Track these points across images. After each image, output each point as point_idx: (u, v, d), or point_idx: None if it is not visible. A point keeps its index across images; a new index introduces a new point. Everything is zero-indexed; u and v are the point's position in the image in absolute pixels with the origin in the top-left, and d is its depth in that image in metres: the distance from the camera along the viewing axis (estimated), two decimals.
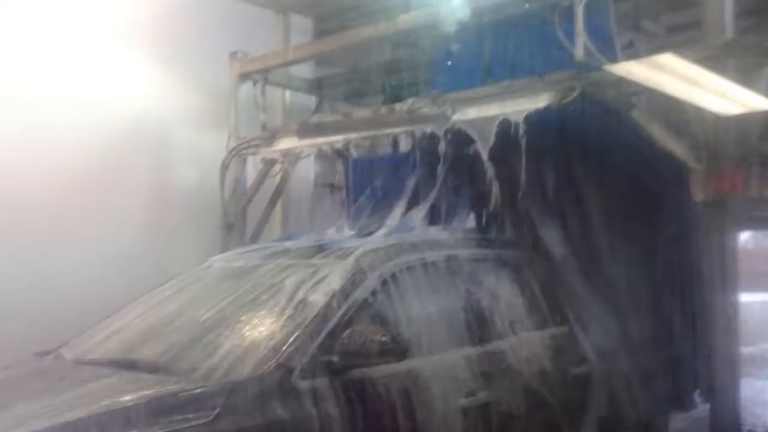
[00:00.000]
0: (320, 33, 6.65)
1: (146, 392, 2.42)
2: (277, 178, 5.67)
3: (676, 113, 4.04)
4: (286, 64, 5.93)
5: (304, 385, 2.65)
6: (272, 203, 5.85)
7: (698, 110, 3.77)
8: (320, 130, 5.11)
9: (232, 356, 2.72)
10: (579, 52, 3.93)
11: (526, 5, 4.33)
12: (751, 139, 4.16)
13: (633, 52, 4.17)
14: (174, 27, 5.73)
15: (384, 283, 3.13)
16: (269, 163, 5.55)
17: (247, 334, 2.89)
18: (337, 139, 4.95)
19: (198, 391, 2.46)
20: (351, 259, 3.17)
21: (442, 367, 3.10)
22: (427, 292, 3.30)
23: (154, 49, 5.69)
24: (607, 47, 4.03)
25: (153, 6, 5.64)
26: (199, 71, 5.93)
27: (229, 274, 3.61)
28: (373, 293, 3.06)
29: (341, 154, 5.05)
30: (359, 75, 6.43)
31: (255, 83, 5.80)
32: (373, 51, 5.74)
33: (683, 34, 4.86)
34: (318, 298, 2.95)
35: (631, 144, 4.23)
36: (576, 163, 4.32)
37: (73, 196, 5.15)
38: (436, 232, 3.93)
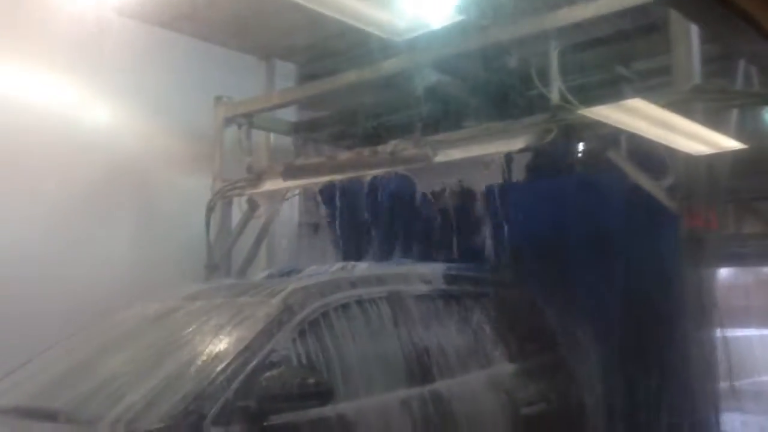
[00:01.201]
0: (304, 77, 6.79)
1: None
2: (262, 219, 5.74)
3: (650, 154, 4.20)
4: (271, 108, 6.06)
5: None
6: (257, 243, 5.90)
7: (670, 151, 3.92)
8: (304, 171, 5.21)
9: (140, 404, 2.53)
10: (554, 96, 4.09)
11: (509, 56, 4.51)
12: (721, 178, 4.32)
13: (606, 97, 4.33)
14: (159, 73, 5.83)
15: (314, 322, 2.95)
16: (254, 204, 5.63)
17: (160, 380, 2.68)
18: (321, 181, 5.05)
19: None
20: (278, 298, 3.01)
21: (375, 411, 2.91)
22: (362, 332, 3.12)
23: (140, 95, 5.77)
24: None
25: (138, 53, 5.74)
26: (184, 115, 6.02)
27: (152, 317, 3.42)
28: (301, 333, 2.87)
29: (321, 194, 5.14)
30: (342, 117, 6.57)
31: (240, 126, 5.91)
32: (357, 94, 5.88)
33: (655, 79, 5.06)
34: (236, 340, 2.78)
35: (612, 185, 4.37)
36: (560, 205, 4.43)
37: (57, 237, 5.15)
38: (389, 267, 3.85)
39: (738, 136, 3.90)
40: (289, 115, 6.75)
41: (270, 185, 5.43)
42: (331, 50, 6.36)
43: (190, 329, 3.00)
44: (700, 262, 4.00)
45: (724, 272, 11.08)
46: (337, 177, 5.00)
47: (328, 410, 2.72)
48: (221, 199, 5.73)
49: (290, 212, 6.31)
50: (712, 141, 3.77)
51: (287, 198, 5.45)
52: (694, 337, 3.96)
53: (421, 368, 3.21)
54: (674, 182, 4.05)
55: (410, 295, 3.44)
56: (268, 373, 2.62)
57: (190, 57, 6.04)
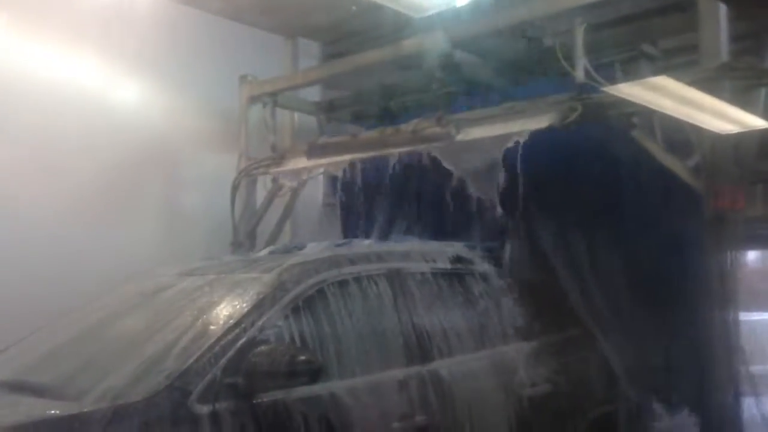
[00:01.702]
0: (328, 56, 6.81)
1: (18, 417, 2.25)
2: (286, 198, 5.79)
3: (675, 133, 4.16)
4: (295, 87, 6.09)
5: (202, 410, 2.42)
6: (281, 222, 5.96)
7: (696, 129, 3.88)
8: (328, 150, 5.24)
9: (126, 379, 2.48)
10: (579, 74, 4.06)
11: (526, 33, 4.47)
12: (748, 157, 4.27)
13: (633, 75, 4.29)
14: (186, 52, 5.89)
15: (309, 299, 2.87)
16: (278, 183, 5.68)
17: (147, 356, 2.62)
18: (345, 159, 5.08)
19: (78, 415, 2.27)
20: (272, 275, 2.94)
21: (369, 390, 2.84)
22: (359, 310, 3.04)
23: (166, 74, 5.83)
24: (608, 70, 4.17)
25: (165, 32, 5.80)
26: (210, 94, 6.08)
27: (146, 293, 3.35)
28: (295, 310, 2.80)
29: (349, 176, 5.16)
30: (365, 97, 6.58)
31: (264, 105, 5.94)
32: (378, 73, 5.88)
33: (681, 57, 4.99)
34: (225, 315, 2.71)
35: (632, 161, 4.33)
36: (575, 179, 4.40)
37: (84, 215, 5.23)
38: (394, 245, 3.78)
39: (766, 116, 3.84)
40: (313, 94, 6.78)
41: (294, 164, 5.47)
42: (354, 29, 6.37)
43: (182, 305, 2.94)
44: (725, 244, 3.96)
45: (749, 255, 10.96)
46: (360, 155, 5.02)
47: (319, 389, 2.65)
48: (246, 178, 5.79)
49: (314, 191, 6.36)
50: (740, 120, 3.72)
51: (305, 179, 5.46)
52: (713, 319, 3.94)
53: (420, 348, 3.14)
54: (700, 161, 4.01)
55: (412, 274, 3.36)
56: (256, 350, 2.55)
57: (216, 36, 6.08)
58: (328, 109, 6.74)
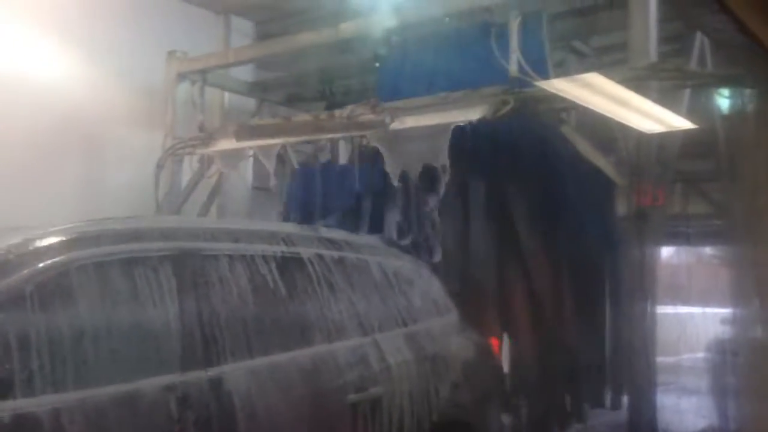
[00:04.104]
0: (262, 36, 6.64)
1: None
2: (213, 180, 5.62)
3: (602, 130, 4.25)
4: (226, 66, 5.91)
5: None
6: (207, 204, 5.79)
7: (623, 127, 3.96)
8: (258, 132, 5.10)
9: None
10: (513, 68, 4.08)
11: (446, 20, 4.46)
12: (670, 157, 4.40)
13: (564, 71, 4.34)
14: (111, 23, 5.62)
15: (42, 286, 2.25)
16: (205, 164, 5.51)
17: None
18: (275, 143, 4.96)
19: None
20: None
21: (119, 400, 2.27)
22: (116, 300, 2.43)
23: (89, 45, 5.56)
24: (540, 66, 4.20)
25: (89, 2, 5.52)
26: (136, 69, 5.82)
27: None
28: (16, 301, 2.20)
29: (281, 159, 5.04)
30: (300, 79, 6.45)
31: (193, 83, 5.75)
32: (315, 56, 5.78)
33: (611, 56, 5.09)
34: None
35: (558, 157, 4.40)
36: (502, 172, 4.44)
37: (4, 190, 4.96)
38: (194, 222, 3.23)
39: (689, 117, 3.96)
40: (246, 74, 6.60)
41: (222, 145, 5.31)
42: (291, 10, 6.23)
43: None
44: (645, 239, 4.08)
45: (668, 251, 11.45)
46: (291, 140, 4.91)
47: (35, 402, 2.08)
48: (171, 157, 5.59)
49: (244, 173, 6.21)
50: (665, 120, 3.82)
51: (240, 160, 5.33)
52: (632, 312, 4.05)
53: (206, 349, 2.55)
54: (623, 158, 4.11)
55: (215, 256, 2.76)
56: None
57: (144, 8, 5.83)
58: (261, 89, 6.60)
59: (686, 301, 12.05)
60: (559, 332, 4.47)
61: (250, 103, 6.72)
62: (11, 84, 5.12)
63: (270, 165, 4.93)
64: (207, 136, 5.43)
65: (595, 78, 3.41)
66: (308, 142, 5.00)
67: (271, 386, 2.68)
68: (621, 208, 4.21)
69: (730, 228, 5.68)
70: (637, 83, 3.62)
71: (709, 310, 9.86)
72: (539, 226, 4.45)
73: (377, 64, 5.18)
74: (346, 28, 4.88)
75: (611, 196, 4.58)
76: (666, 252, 11.04)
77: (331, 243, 3.34)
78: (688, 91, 4.34)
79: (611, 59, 4.92)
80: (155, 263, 2.56)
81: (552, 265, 4.51)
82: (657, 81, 3.81)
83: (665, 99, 3.75)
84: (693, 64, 4.34)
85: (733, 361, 5.03)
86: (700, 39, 4.58)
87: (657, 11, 3.94)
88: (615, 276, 4.79)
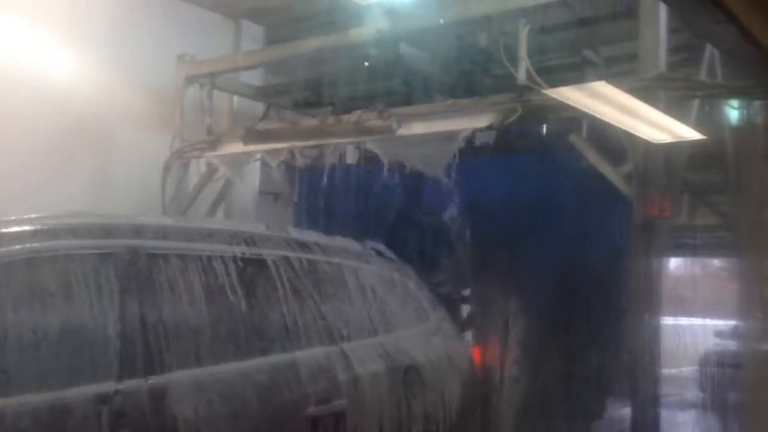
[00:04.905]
0: (272, 41, 6.65)
1: None
2: (220, 183, 5.63)
3: (610, 139, 4.24)
4: (235, 70, 5.92)
5: None
6: (214, 208, 5.80)
7: (630, 137, 3.95)
8: (266, 136, 5.11)
9: None
10: (521, 75, 4.07)
11: (441, 21, 4.47)
12: (678, 167, 4.38)
13: (574, 80, 4.34)
14: (122, 27, 5.65)
15: None
16: (213, 168, 5.52)
17: None
18: (283, 147, 4.97)
19: None
20: None
21: (49, 407, 2.09)
22: (45, 300, 2.27)
23: (101, 47, 5.58)
24: None
25: (101, 5, 5.55)
26: (146, 71, 5.85)
27: None
28: None
29: (289, 164, 5.05)
30: (308, 84, 6.46)
31: (202, 87, 5.76)
32: (324, 61, 5.79)
33: (621, 66, 5.09)
34: None
35: (568, 168, 4.40)
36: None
37: (13, 189, 4.97)
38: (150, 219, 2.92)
39: (698, 128, 3.95)
40: (255, 79, 6.62)
41: (230, 149, 5.32)
42: (300, 15, 6.25)
43: None
44: (651, 250, 4.06)
45: (673, 262, 11.39)
46: (299, 144, 4.92)
47: None
48: (179, 160, 5.60)
49: (251, 178, 6.22)
50: (673, 130, 3.80)
51: (249, 162, 5.33)
52: (638, 323, 4.03)
53: (146, 354, 2.37)
54: (632, 169, 4.09)
55: (164, 255, 2.58)
56: None
57: (155, 11, 5.86)
58: (270, 94, 6.61)
59: (691, 313, 12.00)
60: (564, 343, 4.45)
61: (258, 107, 6.73)
62: (28, 87, 5.16)
63: (277, 169, 4.94)
64: (215, 140, 5.44)
65: (603, 87, 3.40)
66: (315, 146, 5.00)
67: (219, 398, 2.46)
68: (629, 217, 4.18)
69: (736, 240, 5.65)
70: (646, 93, 3.61)
71: (711, 321, 9.83)
72: (546, 237, 4.44)
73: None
74: (356, 33, 4.89)
75: (622, 207, 4.56)
76: (672, 263, 10.99)
77: (300, 245, 3.17)
78: (696, 102, 4.32)
79: (621, 69, 4.90)
80: (94, 262, 2.38)
81: (557, 276, 4.50)
82: (666, 91, 3.80)
83: (674, 109, 3.74)
84: (702, 75, 4.32)
85: (732, 373, 5.00)
86: (710, 49, 4.57)
87: (667, 23, 3.93)
88: (620, 286, 4.77)
